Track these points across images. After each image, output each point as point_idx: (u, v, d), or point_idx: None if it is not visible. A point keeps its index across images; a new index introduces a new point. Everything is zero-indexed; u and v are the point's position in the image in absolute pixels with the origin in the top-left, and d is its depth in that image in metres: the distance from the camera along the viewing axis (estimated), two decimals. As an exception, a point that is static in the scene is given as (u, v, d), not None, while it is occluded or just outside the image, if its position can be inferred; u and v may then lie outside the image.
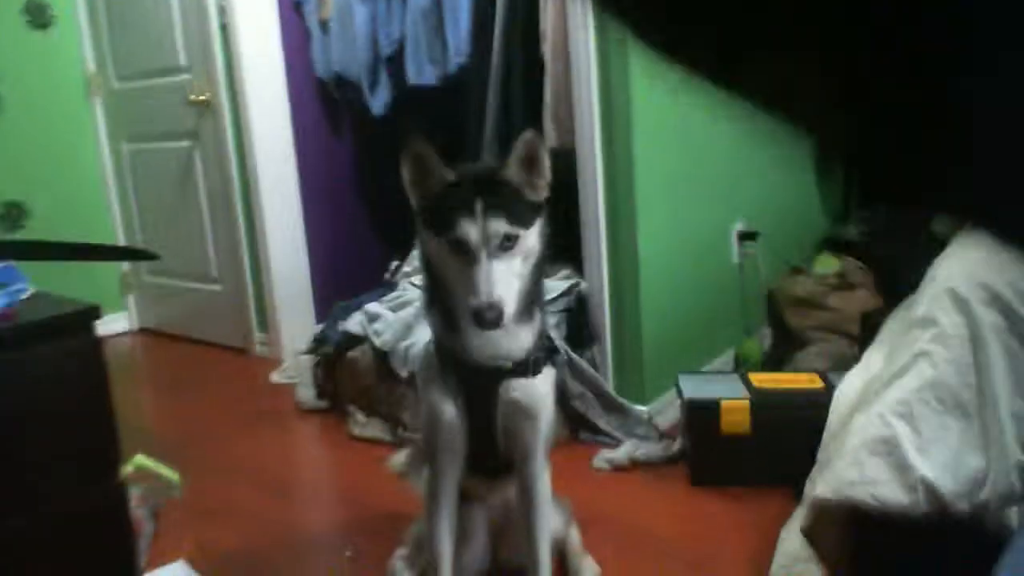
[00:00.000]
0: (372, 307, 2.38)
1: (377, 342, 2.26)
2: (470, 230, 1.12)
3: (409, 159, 1.20)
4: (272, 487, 2.11)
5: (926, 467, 1.14)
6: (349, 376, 2.40)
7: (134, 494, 1.78)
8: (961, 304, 1.17)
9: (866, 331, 2.04)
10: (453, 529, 1.34)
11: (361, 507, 1.96)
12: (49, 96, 3.41)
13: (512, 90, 2.48)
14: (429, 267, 1.25)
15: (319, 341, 2.58)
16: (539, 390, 1.27)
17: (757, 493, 1.83)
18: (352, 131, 3.30)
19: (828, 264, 2.71)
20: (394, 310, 2.34)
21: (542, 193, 1.21)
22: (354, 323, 2.38)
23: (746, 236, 2.54)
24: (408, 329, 2.21)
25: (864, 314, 2.26)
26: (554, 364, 1.37)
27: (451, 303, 1.21)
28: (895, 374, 1.21)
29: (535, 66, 2.38)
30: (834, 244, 2.88)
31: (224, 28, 2.96)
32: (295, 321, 3.07)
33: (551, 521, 1.40)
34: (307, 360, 2.66)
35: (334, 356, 2.45)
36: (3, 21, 3.26)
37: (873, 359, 1.45)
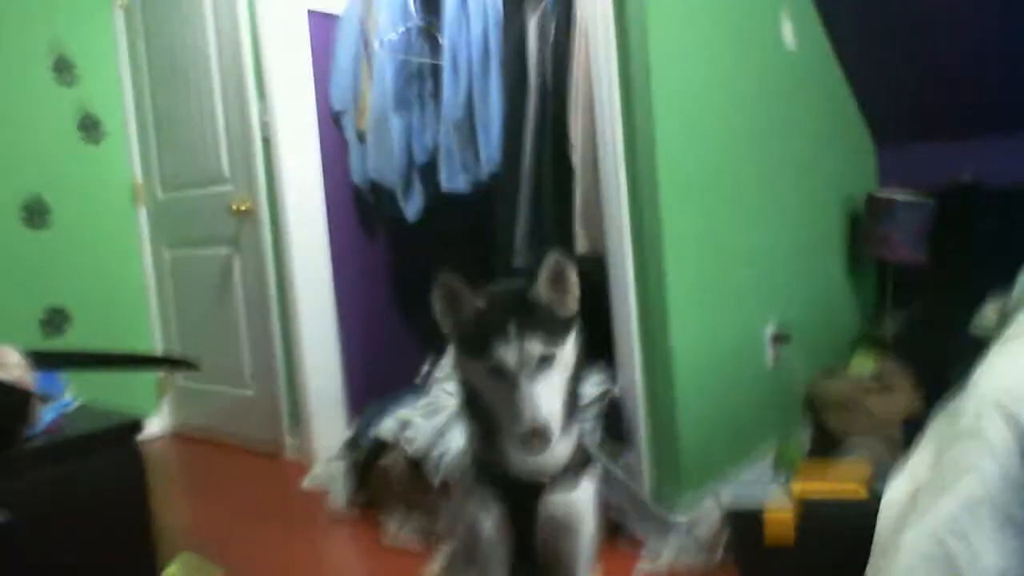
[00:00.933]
0: (404, 413, 2.38)
1: (409, 450, 2.25)
2: (507, 354, 1.13)
3: (440, 294, 1.22)
4: (303, 600, 2.07)
5: (984, 587, 1.10)
6: (381, 483, 2.38)
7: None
8: (1009, 419, 1.15)
9: (908, 435, 2.00)
10: None
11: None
12: (96, 206, 3.56)
13: (543, 197, 2.54)
14: (466, 383, 1.25)
15: (350, 447, 2.58)
16: (579, 504, 1.25)
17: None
18: (387, 236, 3.39)
19: (865, 364, 2.68)
20: (426, 417, 2.34)
21: (573, 309, 1.23)
22: (386, 430, 2.38)
23: (779, 338, 2.53)
24: (441, 436, 2.20)
25: (906, 418, 2.21)
26: (593, 474, 1.35)
27: (489, 419, 1.21)
28: (944, 488, 1.18)
29: (566, 173, 2.45)
30: (869, 342, 2.85)
31: (266, 141, 3.11)
32: (327, 426, 3.07)
33: None
34: (339, 466, 2.65)
35: (366, 462, 2.44)
36: (58, 136, 3.45)
37: (918, 467, 1.42)
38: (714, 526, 2.11)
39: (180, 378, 3.71)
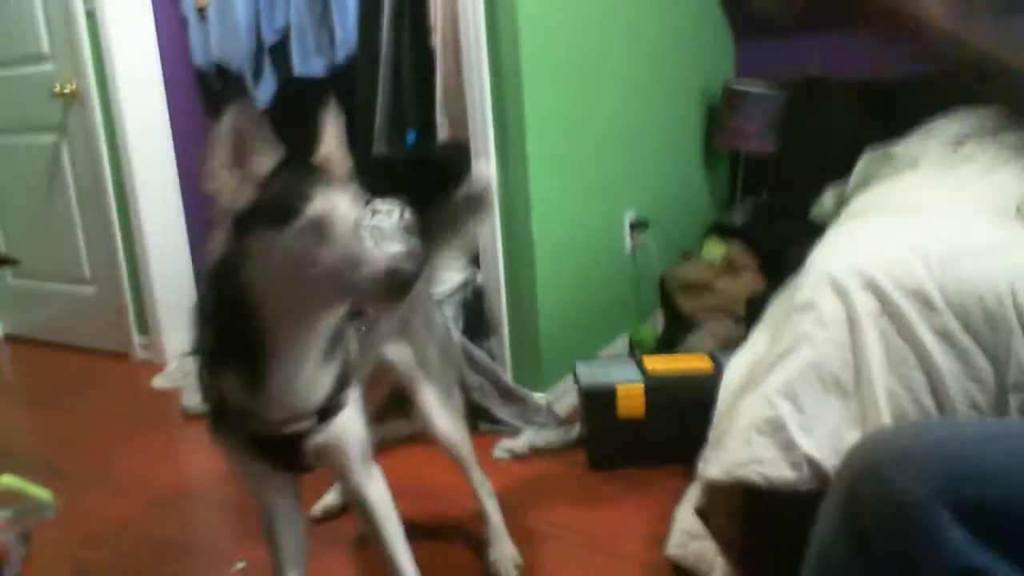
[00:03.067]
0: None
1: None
2: (336, 201, 0.91)
3: (226, 136, 0.94)
4: (158, 500, 2.00)
5: (810, 444, 1.19)
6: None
7: (1, 518, 1.65)
8: (840, 290, 1.23)
9: (751, 313, 2.12)
10: (300, 543, 1.26)
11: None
12: None
13: (403, 82, 2.43)
14: (237, 303, 0.96)
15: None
16: (342, 426, 1.10)
17: (653, 473, 1.88)
18: (236, 122, 3.16)
19: (715, 249, 2.81)
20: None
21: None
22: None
23: (637, 225, 2.60)
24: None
25: (749, 297, 2.34)
26: (352, 393, 1.13)
27: (269, 337, 0.97)
28: (779, 356, 1.25)
29: (426, 57, 2.34)
30: (721, 229, 2.98)
31: (91, 15, 2.77)
32: (179, 321, 2.91)
33: (397, 524, 1.22)
34: (192, 362, 2.53)
35: (222, 358, 2.34)
36: None
37: (758, 340, 1.50)
38: (572, 404, 2.20)
39: (9, 278, 3.39)
